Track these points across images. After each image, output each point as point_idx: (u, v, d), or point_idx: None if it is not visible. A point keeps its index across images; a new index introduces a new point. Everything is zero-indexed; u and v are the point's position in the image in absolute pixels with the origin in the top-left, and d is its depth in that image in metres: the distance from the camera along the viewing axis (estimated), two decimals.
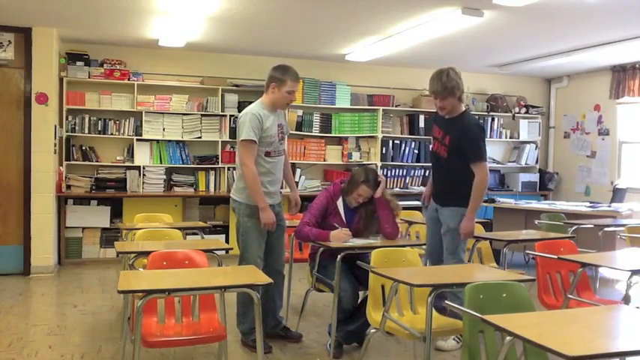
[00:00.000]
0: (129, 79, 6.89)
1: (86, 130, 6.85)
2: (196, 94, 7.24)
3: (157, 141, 7.10)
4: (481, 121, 8.28)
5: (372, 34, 6.07)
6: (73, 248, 6.79)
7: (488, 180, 3.90)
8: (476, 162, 3.83)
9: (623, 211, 6.12)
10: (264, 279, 2.80)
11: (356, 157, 7.79)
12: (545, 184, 8.55)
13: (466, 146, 3.88)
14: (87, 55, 6.80)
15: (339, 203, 3.92)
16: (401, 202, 6.39)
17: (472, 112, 8.22)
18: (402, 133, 7.99)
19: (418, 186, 7.98)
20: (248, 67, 7.43)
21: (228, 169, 7.28)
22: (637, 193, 7.32)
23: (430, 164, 4.46)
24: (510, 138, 8.59)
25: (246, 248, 3.91)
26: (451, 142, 3.95)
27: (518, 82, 8.73)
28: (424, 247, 4.29)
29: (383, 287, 3.25)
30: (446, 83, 3.94)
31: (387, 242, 3.80)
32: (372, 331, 3.14)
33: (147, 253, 3.29)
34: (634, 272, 3.24)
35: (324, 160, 7.72)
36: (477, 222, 4.46)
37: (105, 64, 6.85)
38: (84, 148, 6.91)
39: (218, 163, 7.23)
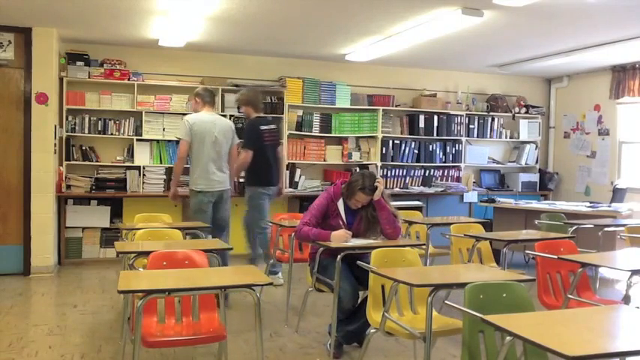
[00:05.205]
0: (129, 79, 6.89)
1: (86, 130, 6.85)
2: None
3: (157, 141, 7.10)
4: (481, 121, 8.30)
5: (372, 34, 6.07)
6: (73, 248, 6.79)
7: (244, 163, 5.53)
8: (243, 148, 5.54)
9: (623, 211, 6.12)
10: (264, 279, 2.80)
11: (356, 157, 7.78)
12: (545, 184, 8.55)
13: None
14: (87, 55, 6.80)
15: (340, 204, 3.91)
16: (401, 202, 6.42)
17: (472, 112, 8.25)
18: (402, 133, 7.99)
19: (418, 186, 7.99)
20: (248, 67, 7.43)
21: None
22: (637, 193, 7.32)
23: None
24: (510, 138, 8.59)
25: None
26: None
27: (518, 82, 8.73)
28: (424, 246, 4.30)
29: (383, 287, 3.25)
30: (239, 97, 5.87)
31: (387, 242, 3.80)
32: (372, 331, 3.13)
33: (147, 253, 3.29)
34: (634, 272, 3.24)
35: (324, 160, 7.72)
36: (476, 222, 4.51)
37: (105, 64, 6.85)
38: (84, 148, 6.91)
39: None
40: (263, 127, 5.60)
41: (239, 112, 6.53)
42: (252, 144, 5.51)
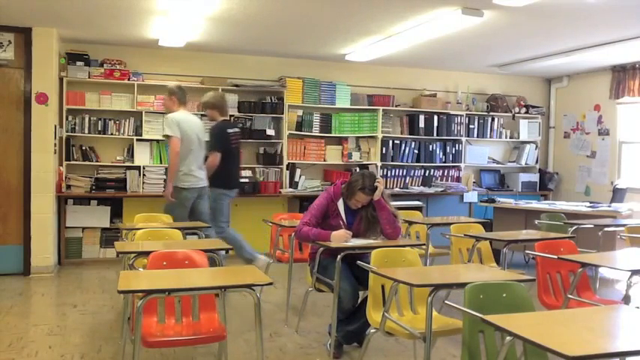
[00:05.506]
0: (129, 79, 6.89)
1: (86, 130, 6.85)
2: (196, 94, 7.23)
3: (157, 141, 7.09)
4: (481, 121, 8.30)
5: (372, 34, 6.07)
6: (73, 248, 6.79)
7: (213, 165, 5.57)
8: (211, 151, 5.64)
9: (623, 211, 6.12)
10: (264, 279, 2.80)
11: (356, 157, 7.78)
12: (545, 184, 8.55)
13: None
14: (87, 55, 6.80)
15: (340, 204, 3.91)
16: (401, 202, 6.43)
17: (472, 112, 8.25)
18: (402, 133, 7.99)
19: (418, 186, 7.99)
20: (248, 67, 7.43)
21: None
22: (637, 193, 7.32)
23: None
24: (510, 138, 8.59)
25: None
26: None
27: (518, 82, 8.73)
28: (424, 246, 4.30)
29: (383, 287, 3.25)
30: (205, 100, 5.78)
31: (387, 242, 3.80)
32: (372, 331, 3.13)
33: (147, 253, 3.29)
34: (634, 272, 3.24)
35: (324, 160, 7.72)
36: (476, 222, 4.50)
37: (105, 64, 6.85)
38: (84, 148, 6.91)
39: None
40: (230, 131, 5.73)
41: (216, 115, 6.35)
42: (220, 147, 5.62)
